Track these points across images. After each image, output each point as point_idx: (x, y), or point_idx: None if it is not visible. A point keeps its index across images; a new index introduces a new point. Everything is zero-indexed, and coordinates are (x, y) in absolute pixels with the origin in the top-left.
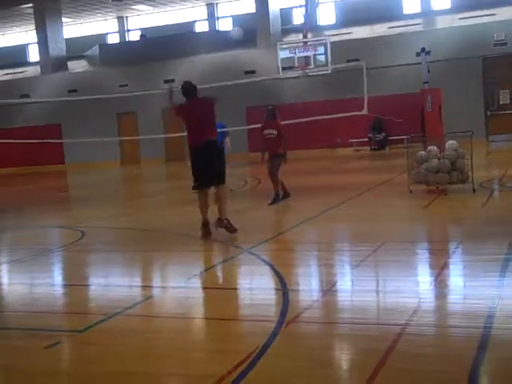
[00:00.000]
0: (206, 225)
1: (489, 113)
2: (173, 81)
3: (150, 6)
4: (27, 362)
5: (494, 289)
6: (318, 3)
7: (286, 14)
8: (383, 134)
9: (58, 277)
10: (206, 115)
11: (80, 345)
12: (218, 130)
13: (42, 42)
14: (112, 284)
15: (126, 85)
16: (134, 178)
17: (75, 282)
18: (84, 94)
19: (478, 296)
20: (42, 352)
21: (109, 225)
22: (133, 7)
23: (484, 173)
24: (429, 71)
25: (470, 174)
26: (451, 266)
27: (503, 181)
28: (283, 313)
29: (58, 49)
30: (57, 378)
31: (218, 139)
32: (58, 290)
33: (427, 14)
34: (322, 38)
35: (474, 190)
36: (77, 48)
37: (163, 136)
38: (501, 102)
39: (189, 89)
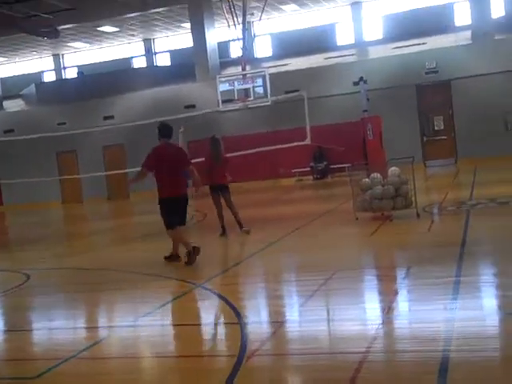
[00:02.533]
0: (189, 253)
1: (425, 139)
2: (112, 117)
3: (86, 43)
4: None
5: (448, 311)
6: (255, 36)
7: (223, 48)
8: (325, 162)
9: (4, 322)
10: (180, 164)
11: None
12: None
13: None
14: (61, 327)
15: (65, 123)
16: (76, 218)
17: (23, 328)
18: (21, 133)
19: (434, 319)
20: None
21: (54, 265)
22: (69, 44)
23: (425, 197)
24: (368, 99)
25: (413, 199)
26: (404, 291)
27: (444, 205)
28: (243, 347)
29: None
30: None
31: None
32: (5, 336)
33: (360, 44)
34: (261, 69)
35: (418, 215)
36: (12, 87)
37: (104, 174)
38: (436, 128)
39: (165, 130)
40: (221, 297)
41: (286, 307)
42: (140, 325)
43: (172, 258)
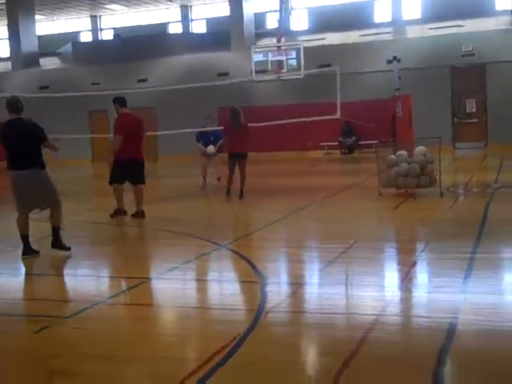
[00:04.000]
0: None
1: (456, 120)
2: (146, 80)
3: (123, 5)
4: (18, 346)
5: (460, 284)
6: (292, 9)
7: (259, 18)
8: (353, 138)
9: (43, 267)
10: (141, 134)
11: (68, 330)
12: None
13: (14, 38)
14: (94, 275)
15: (99, 83)
16: (106, 176)
17: (60, 273)
18: (56, 91)
19: (446, 290)
20: (32, 336)
21: (86, 219)
22: (107, 6)
23: (451, 178)
24: (400, 78)
25: (437, 178)
26: (421, 263)
27: (468, 186)
28: (263, 303)
29: (29, 45)
30: (48, 360)
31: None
32: (44, 279)
33: (398, 23)
34: (296, 42)
35: (442, 194)
36: (49, 45)
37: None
38: (467, 111)
39: (124, 101)
40: (243, 257)
41: (305, 271)
42: (165, 278)
43: (117, 213)
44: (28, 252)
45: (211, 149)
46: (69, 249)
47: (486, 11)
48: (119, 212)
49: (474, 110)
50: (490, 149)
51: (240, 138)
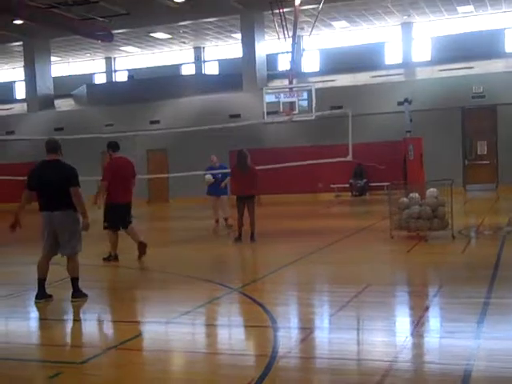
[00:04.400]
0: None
1: (467, 162)
2: (158, 122)
3: (137, 47)
4: None
5: (474, 330)
6: (303, 50)
7: (271, 60)
8: (364, 180)
9: (54, 312)
10: (129, 176)
11: (82, 376)
12: (220, 172)
13: (30, 80)
14: (106, 319)
15: (112, 124)
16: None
17: (71, 318)
18: (71, 132)
19: (460, 336)
20: (46, 382)
21: (95, 263)
22: (121, 48)
23: (462, 220)
24: (411, 120)
25: (449, 221)
26: (434, 308)
27: (480, 229)
28: (275, 348)
29: (45, 87)
30: None
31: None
32: (55, 324)
33: (408, 64)
34: (307, 84)
35: (454, 237)
36: (64, 87)
37: (146, 177)
38: (478, 153)
39: (117, 146)
40: (255, 301)
41: (317, 315)
42: (177, 322)
43: (110, 258)
44: (42, 296)
45: (209, 178)
46: (86, 296)
47: (495, 53)
48: (113, 257)
49: (484, 152)
50: (501, 191)
51: (247, 181)
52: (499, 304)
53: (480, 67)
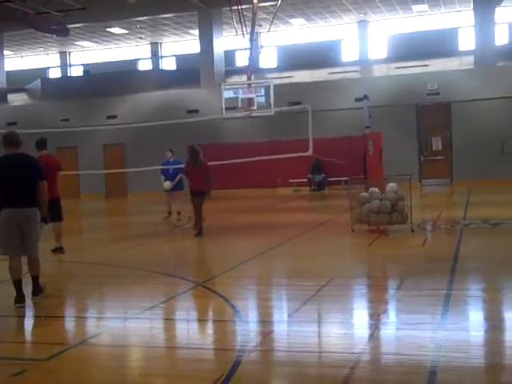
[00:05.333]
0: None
1: (422, 158)
2: (115, 117)
3: (93, 42)
4: None
5: (438, 321)
6: (261, 47)
7: (229, 56)
8: (322, 175)
9: (13, 309)
10: (55, 173)
11: (45, 373)
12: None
13: None
14: (70, 316)
15: (68, 119)
16: (74, 213)
17: (36, 315)
18: (24, 127)
19: (423, 327)
20: (9, 380)
21: (52, 259)
22: (76, 43)
23: (420, 214)
24: (370, 116)
25: (408, 215)
26: (396, 301)
27: (438, 223)
28: (244, 342)
29: None
30: None
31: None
32: (22, 321)
33: (364, 62)
34: (266, 80)
35: (413, 231)
36: (17, 81)
37: (103, 172)
38: (433, 149)
39: (45, 143)
40: (221, 296)
41: (283, 309)
42: (143, 317)
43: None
44: (23, 299)
45: (167, 185)
46: (44, 289)
47: (449, 51)
48: (61, 248)
49: (440, 148)
50: (455, 185)
51: (200, 176)
52: (460, 295)
53: (435, 65)
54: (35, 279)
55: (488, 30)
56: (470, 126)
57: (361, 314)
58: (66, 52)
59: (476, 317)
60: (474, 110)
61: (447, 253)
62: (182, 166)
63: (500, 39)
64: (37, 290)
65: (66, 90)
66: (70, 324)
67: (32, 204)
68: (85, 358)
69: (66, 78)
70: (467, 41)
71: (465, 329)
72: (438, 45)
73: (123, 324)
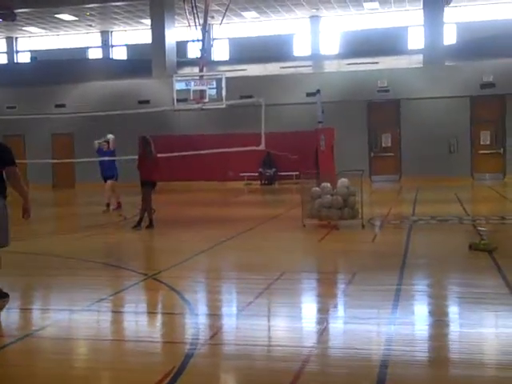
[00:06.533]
0: None
1: (372, 154)
2: (64, 106)
3: (41, 28)
4: None
5: (388, 316)
6: (214, 39)
7: (181, 47)
8: (273, 169)
9: None
10: None
11: None
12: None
13: None
14: (18, 308)
15: (15, 107)
16: (19, 203)
17: None
18: None
19: (372, 322)
20: None
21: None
22: (23, 28)
23: (370, 210)
24: (323, 112)
25: (359, 210)
26: (349, 295)
27: (388, 219)
28: (196, 336)
29: None
30: None
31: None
32: None
33: (316, 57)
34: (218, 73)
35: (364, 226)
36: None
37: (52, 161)
38: (383, 145)
39: None
40: (171, 288)
41: (235, 302)
42: (92, 309)
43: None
44: None
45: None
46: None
47: (399, 50)
48: None
49: (389, 145)
50: (404, 182)
51: (150, 167)
52: (410, 290)
53: (385, 63)
54: None
55: (437, 29)
56: (418, 123)
57: (312, 308)
58: (12, 37)
59: (423, 311)
60: (422, 107)
61: (397, 248)
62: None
63: (448, 39)
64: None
65: (12, 77)
66: (15, 316)
67: None
68: (31, 351)
69: (12, 64)
70: (416, 39)
71: (414, 323)
72: (388, 43)
73: (71, 316)
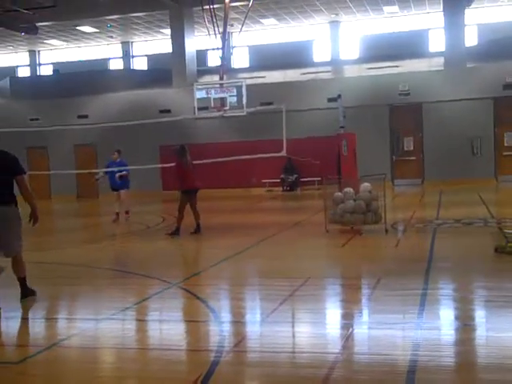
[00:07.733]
0: None
1: (394, 158)
2: (86, 116)
3: (63, 41)
4: None
5: (414, 321)
6: (233, 47)
7: (201, 56)
8: (295, 175)
9: None
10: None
11: (15, 375)
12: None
13: None
14: (43, 317)
15: (38, 119)
16: (44, 214)
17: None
18: None
19: (400, 327)
20: None
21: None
22: (45, 41)
23: (393, 214)
24: (344, 117)
25: (382, 215)
26: (375, 300)
27: (411, 223)
28: (221, 343)
29: None
30: None
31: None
32: None
33: (336, 62)
34: (238, 80)
35: (387, 231)
36: None
37: (75, 172)
38: (405, 149)
39: None
40: (196, 296)
41: (260, 309)
42: (118, 318)
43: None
44: None
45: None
46: (35, 292)
47: (419, 53)
48: None
49: (411, 148)
50: (427, 185)
51: (193, 175)
52: (435, 294)
53: (405, 66)
54: (21, 280)
55: (457, 31)
56: (440, 126)
57: (336, 314)
58: (35, 50)
59: (450, 316)
60: (444, 110)
61: (421, 252)
62: (127, 167)
63: (469, 40)
64: (25, 292)
65: (35, 89)
66: (42, 326)
67: (8, 201)
68: (57, 361)
69: (35, 77)
70: (437, 42)
71: (440, 328)
72: (408, 46)
73: (96, 325)
